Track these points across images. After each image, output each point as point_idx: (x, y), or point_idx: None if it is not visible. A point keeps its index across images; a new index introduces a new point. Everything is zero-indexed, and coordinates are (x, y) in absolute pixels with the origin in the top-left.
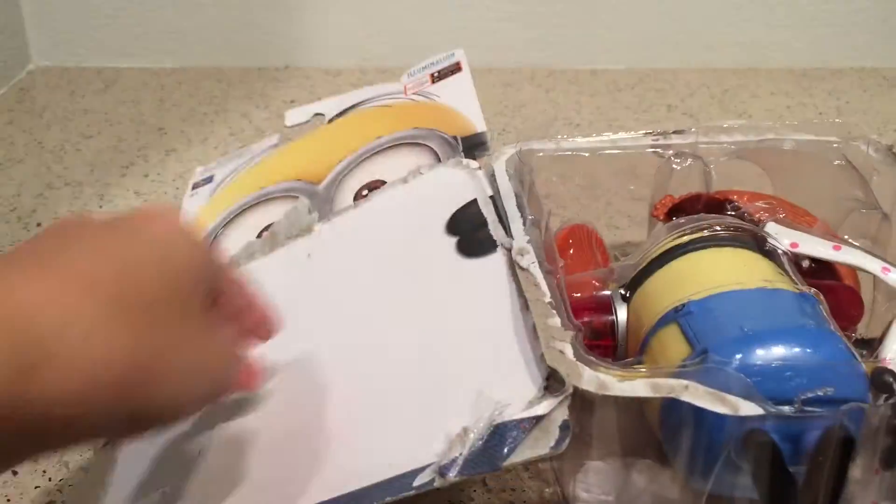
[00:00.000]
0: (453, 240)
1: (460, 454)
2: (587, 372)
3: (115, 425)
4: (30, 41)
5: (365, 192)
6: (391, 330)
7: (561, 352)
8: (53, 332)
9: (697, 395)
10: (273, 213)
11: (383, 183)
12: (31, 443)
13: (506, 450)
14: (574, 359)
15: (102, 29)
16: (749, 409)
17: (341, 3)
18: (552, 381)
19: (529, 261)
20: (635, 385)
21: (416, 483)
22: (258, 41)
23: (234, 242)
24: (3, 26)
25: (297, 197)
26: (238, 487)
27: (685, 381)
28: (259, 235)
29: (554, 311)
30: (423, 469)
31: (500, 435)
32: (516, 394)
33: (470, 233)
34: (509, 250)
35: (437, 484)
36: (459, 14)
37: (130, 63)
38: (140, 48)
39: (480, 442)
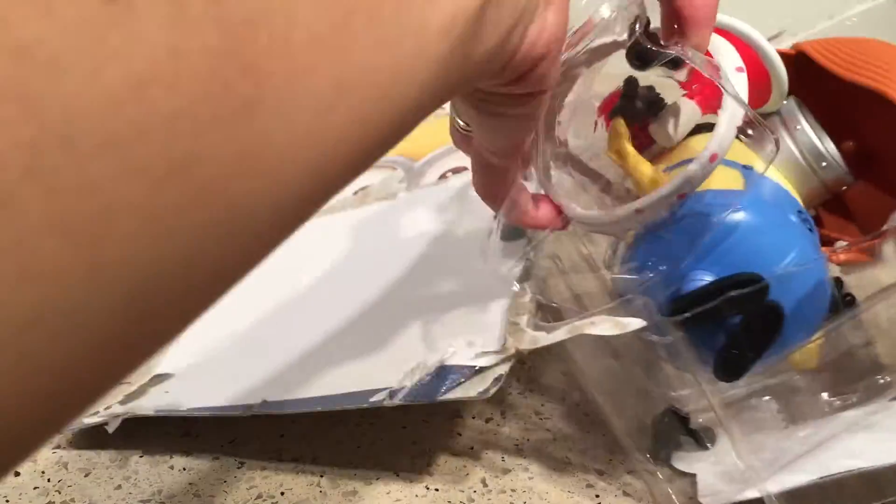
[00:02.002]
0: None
1: (409, 384)
2: (528, 336)
3: None
4: None
5: (448, 174)
6: (409, 280)
7: (516, 323)
8: None
9: (604, 327)
10: (372, 177)
11: (465, 169)
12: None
13: (444, 388)
14: (525, 328)
15: None
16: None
17: None
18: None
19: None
20: (557, 333)
21: (371, 399)
22: None
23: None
24: None
25: (396, 168)
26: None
27: (591, 319)
28: (355, 193)
29: (527, 294)
30: (380, 390)
31: (443, 375)
32: (474, 349)
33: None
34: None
35: (385, 403)
36: None
37: None
38: None
39: (427, 377)
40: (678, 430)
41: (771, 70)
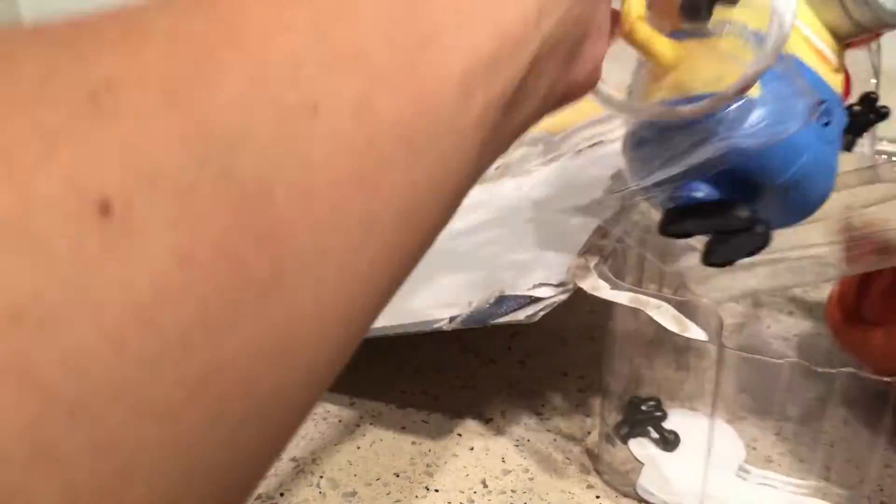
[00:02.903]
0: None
1: (469, 311)
2: (591, 279)
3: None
4: None
5: (581, 148)
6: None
7: (585, 263)
8: None
9: (664, 317)
10: (512, 152)
11: (601, 143)
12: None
13: (498, 314)
14: (592, 269)
15: None
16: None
17: None
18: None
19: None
20: (619, 295)
21: (433, 325)
22: None
23: None
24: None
25: (538, 144)
26: None
27: (658, 302)
28: (496, 168)
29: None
30: (443, 319)
31: (500, 303)
32: (534, 280)
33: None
34: None
35: (444, 327)
36: None
37: None
38: None
39: (487, 305)
40: (650, 421)
41: None
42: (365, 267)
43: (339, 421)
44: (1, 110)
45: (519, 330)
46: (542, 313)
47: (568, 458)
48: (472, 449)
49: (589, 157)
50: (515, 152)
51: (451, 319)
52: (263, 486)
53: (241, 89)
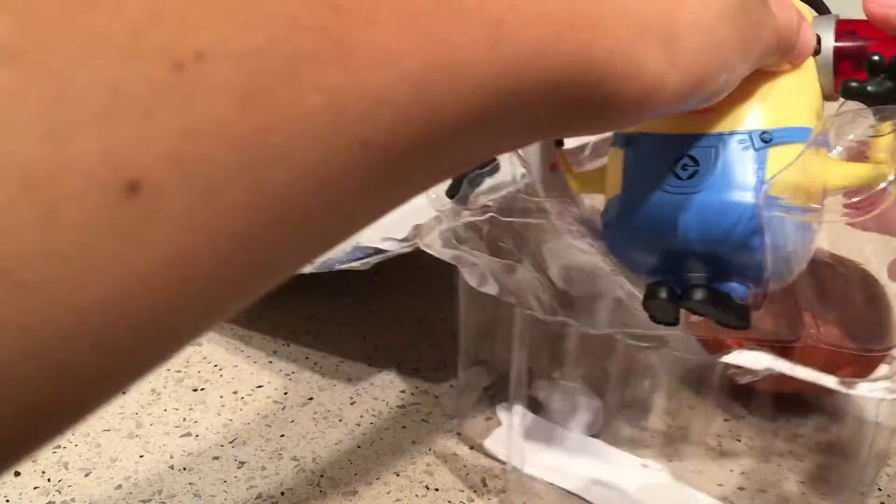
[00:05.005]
0: None
1: (326, 258)
2: (429, 238)
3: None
4: None
5: None
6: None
7: (432, 225)
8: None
9: (470, 274)
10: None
11: None
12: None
13: (345, 260)
14: (435, 232)
15: None
16: None
17: None
18: None
19: None
20: (445, 252)
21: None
22: None
23: None
24: None
25: None
26: None
27: (475, 261)
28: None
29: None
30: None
31: (352, 253)
32: (384, 234)
33: None
34: None
35: (306, 270)
36: None
37: None
38: None
39: (342, 253)
40: (517, 386)
41: None
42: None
43: (340, 420)
44: (89, 43)
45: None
46: (373, 262)
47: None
48: (471, 448)
49: None
50: None
51: (321, 264)
52: (264, 486)
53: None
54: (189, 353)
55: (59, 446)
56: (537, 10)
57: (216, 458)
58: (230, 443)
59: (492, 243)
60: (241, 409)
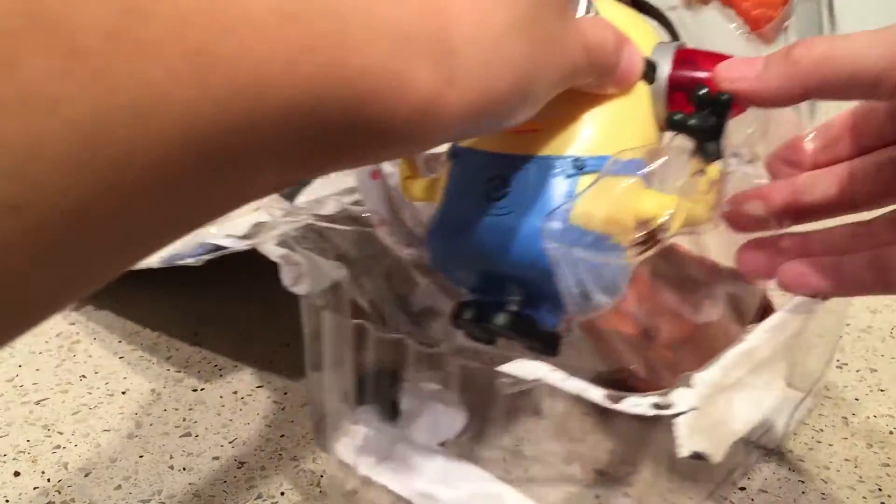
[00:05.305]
0: None
1: (171, 253)
2: (264, 234)
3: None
4: None
5: None
6: None
7: (266, 222)
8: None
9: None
10: None
11: None
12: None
13: (187, 255)
14: (272, 229)
15: None
16: None
17: None
18: None
19: None
20: (273, 250)
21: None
22: None
23: None
24: None
25: None
26: None
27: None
28: None
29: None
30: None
31: (200, 247)
32: (226, 231)
33: None
34: None
35: (154, 265)
36: None
37: None
38: None
39: (189, 247)
40: (385, 392)
41: None
42: None
43: None
44: None
45: None
46: (207, 258)
47: (568, 458)
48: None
49: None
50: None
51: (162, 260)
52: (264, 486)
53: None
54: (189, 353)
55: (59, 446)
56: (258, 34)
57: (216, 458)
58: (230, 443)
59: (335, 249)
60: (241, 409)
